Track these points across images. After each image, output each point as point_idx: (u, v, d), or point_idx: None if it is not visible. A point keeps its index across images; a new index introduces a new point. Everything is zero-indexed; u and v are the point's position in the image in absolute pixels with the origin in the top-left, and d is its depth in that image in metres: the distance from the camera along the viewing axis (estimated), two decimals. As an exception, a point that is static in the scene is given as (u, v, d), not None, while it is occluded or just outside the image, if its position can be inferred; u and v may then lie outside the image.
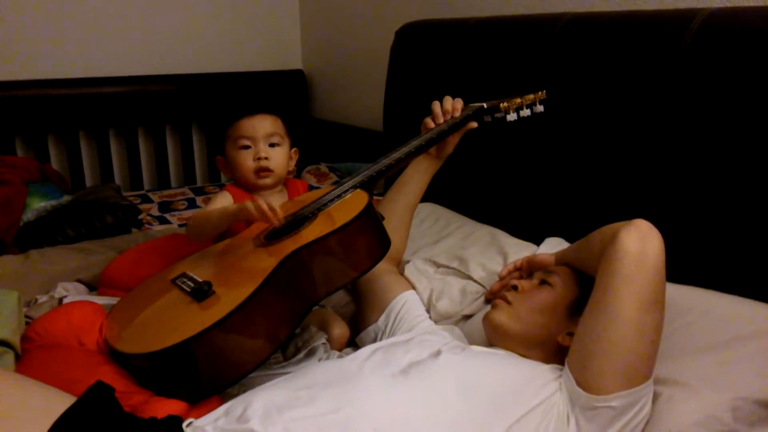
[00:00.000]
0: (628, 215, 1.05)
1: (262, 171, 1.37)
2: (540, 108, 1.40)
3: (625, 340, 0.94)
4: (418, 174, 1.43)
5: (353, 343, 1.34)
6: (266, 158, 1.36)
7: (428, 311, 1.35)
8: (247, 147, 1.37)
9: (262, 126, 1.37)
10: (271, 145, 1.38)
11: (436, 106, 1.38)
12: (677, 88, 1.25)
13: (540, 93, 1.40)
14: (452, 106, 1.37)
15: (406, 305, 1.30)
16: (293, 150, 1.45)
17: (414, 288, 1.38)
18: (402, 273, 1.45)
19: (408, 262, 1.49)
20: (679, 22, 1.25)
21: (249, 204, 1.15)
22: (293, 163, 1.45)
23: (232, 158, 1.39)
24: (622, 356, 0.94)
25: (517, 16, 1.71)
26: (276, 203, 1.18)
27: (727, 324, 1.08)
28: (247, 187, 1.40)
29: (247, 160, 1.36)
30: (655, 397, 0.99)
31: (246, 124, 1.37)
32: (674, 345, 1.06)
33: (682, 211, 1.26)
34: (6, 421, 0.84)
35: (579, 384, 0.95)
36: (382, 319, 1.30)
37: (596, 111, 1.43)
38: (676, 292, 1.13)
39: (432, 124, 1.37)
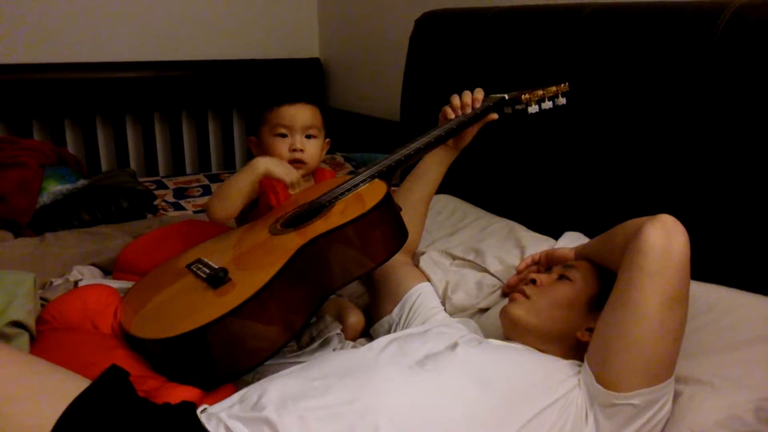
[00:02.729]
0: (652, 211, 1.03)
1: (296, 162, 1.36)
2: (562, 100, 1.38)
3: (647, 337, 0.92)
4: (434, 165, 1.42)
5: (367, 334, 1.33)
6: (301, 150, 1.36)
7: (443, 303, 1.33)
8: (283, 135, 1.37)
9: (302, 116, 1.37)
10: (308, 137, 1.38)
11: (455, 98, 1.36)
12: (706, 81, 1.23)
13: (563, 85, 1.38)
14: (472, 98, 1.35)
15: (421, 297, 1.29)
16: (326, 141, 1.44)
17: (429, 280, 1.37)
18: (417, 264, 1.44)
19: (423, 253, 1.48)
20: (710, 13, 1.23)
21: (281, 174, 1.22)
22: (324, 153, 1.45)
23: (267, 144, 1.39)
24: (644, 353, 0.92)
25: (540, 6, 1.69)
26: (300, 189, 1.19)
27: (751, 323, 1.06)
28: None
29: (282, 149, 1.36)
30: (677, 395, 0.97)
31: (286, 112, 1.37)
32: (697, 343, 1.04)
33: (708, 207, 1.24)
34: (21, 402, 0.84)
35: (599, 380, 0.94)
36: (396, 310, 1.29)
37: (620, 104, 1.41)
38: (699, 289, 1.12)
39: (451, 114, 1.35)
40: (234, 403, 0.92)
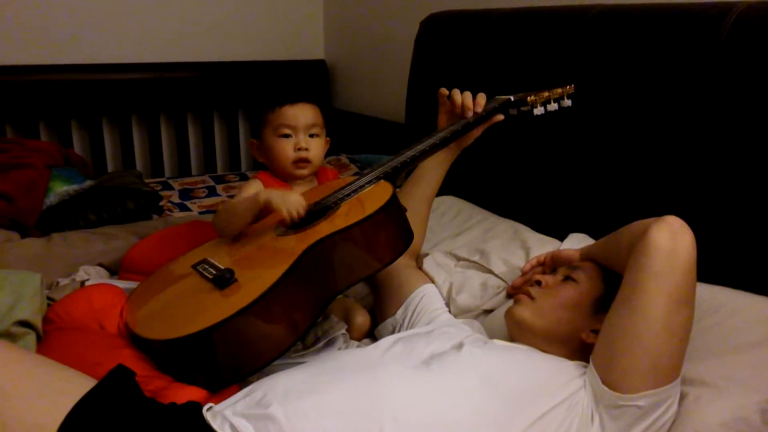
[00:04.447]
0: (658, 212, 1.03)
1: (301, 161, 1.36)
2: (568, 102, 1.38)
3: (653, 339, 0.92)
4: (435, 166, 1.42)
5: (371, 335, 1.33)
6: (306, 149, 1.36)
7: (447, 305, 1.33)
8: (287, 136, 1.36)
9: (305, 116, 1.37)
10: (311, 136, 1.37)
11: (456, 94, 1.36)
12: (712, 83, 1.23)
13: (568, 87, 1.38)
14: (474, 102, 1.34)
15: (425, 299, 1.29)
16: (326, 139, 1.44)
17: (433, 282, 1.37)
18: (421, 266, 1.44)
19: (427, 255, 1.48)
20: (715, 15, 1.23)
21: (279, 203, 1.14)
22: (325, 151, 1.45)
23: (270, 145, 1.38)
24: (649, 355, 0.92)
25: (545, 7, 1.69)
26: (304, 190, 1.17)
27: (756, 325, 1.06)
28: (282, 176, 1.39)
29: (286, 149, 1.36)
30: (682, 397, 0.97)
31: (288, 112, 1.36)
32: (702, 345, 1.04)
33: (714, 208, 1.24)
34: (27, 401, 0.84)
35: (604, 382, 0.94)
36: (400, 312, 1.29)
37: (625, 105, 1.40)
38: (705, 291, 1.11)
39: (458, 99, 1.34)
40: (239, 399, 0.93)
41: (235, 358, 1.01)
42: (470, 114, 1.34)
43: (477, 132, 1.38)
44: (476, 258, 1.45)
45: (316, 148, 1.38)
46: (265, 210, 1.23)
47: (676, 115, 1.30)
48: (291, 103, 1.37)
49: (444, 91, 1.38)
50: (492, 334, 1.20)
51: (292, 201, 1.15)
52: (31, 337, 1.09)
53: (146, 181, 2.34)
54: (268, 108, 1.39)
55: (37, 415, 0.83)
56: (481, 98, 1.36)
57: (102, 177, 2.25)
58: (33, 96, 2.42)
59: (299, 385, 0.92)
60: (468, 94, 1.35)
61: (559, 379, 0.97)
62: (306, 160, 1.36)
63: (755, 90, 1.16)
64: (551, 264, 1.28)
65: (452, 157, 1.42)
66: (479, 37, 1.81)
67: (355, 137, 2.73)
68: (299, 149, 1.35)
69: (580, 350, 1.07)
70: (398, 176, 1.27)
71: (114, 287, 1.22)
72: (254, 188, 1.33)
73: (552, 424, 0.91)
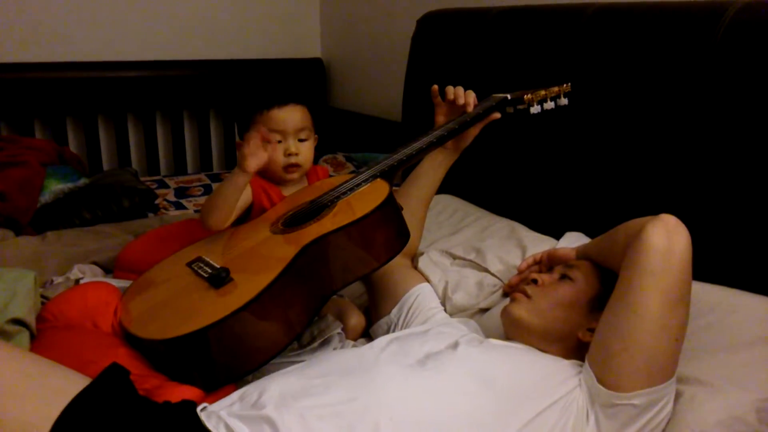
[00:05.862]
0: (654, 210, 1.03)
1: (292, 167, 1.36)
2: (564, 101, 1.38)
3: (648, 338, 0.92)
4: (434, 167, 1.42)
5: (367, 335, 1.33)
6: (296, 154, 1.35)
7: (443, 304, 1.33)
8: (277, 141, 1.35)
9: (294, 120, 1.35)
10: (300, 140, 1.37)
11: (450, 90, 1.36)
12: (709, 81, 1.23)
13: (565, 86, 1.38)
14: (465, 95, 1.35)
15: (420, 298, 1.29)
16: (314, 137, 1.44)
17: (428, 281, 1.37)
18: (416, 265, 1.44)
19: (423, 254, 1.48)
20: (711, 13, 1.23)
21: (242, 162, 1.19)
22: (313, 151, 1.44)
23: None
24: (644, 354, 0.92)
25: (542, 6, 1.69)
26: (295, 190, 1.17)
27: (752, 324, 1.06)
28: (272, 178, 1.38)
29: (276, 155, 1.34)
30: (678, 396, 0.97)
31: (277, 116, 1.34)
32: (698, 344, 1.04)
33: (709, 207, 1.24)
34: (21, 400, 0.83)
35: (600, 381, 0.94)
36: (394, 311, 1.29)
37: (622, 104, 1.41)
38: (701, 289, 1.12)
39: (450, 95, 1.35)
40: (234, 401, 0.92)
41: (231, 358, 1.01)
42: (461, 102, 1.33)
43: (474, 131, 1.38)
44: (472, 256, 1.45)
45: (305, 152, 1.37)
46: (254, 186, 1.21)
47: (673, 113, 1.30)
48: (279, 106, 1.35)
49: (436, 88, 1.37)
50: (488, 333, 1.20)
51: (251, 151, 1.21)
52: (25, 336, 1.09)
53: (142, 179, 2.34)
54: (256, 109, 1.36)
55: (30, 413, 0.82)
56: (470, 95, 1.36)
57: (97, 175, 2.25)
58: (28, 93, 2.42)
59: (294, 386, 0.92)
60: (460, 89, 1.36)
61: (554, 378, 0.97)
62: (296, 165, 1.36)
63: (752, 88, 1.17)
64: (547, 262, 1.28)
65: (451, 159, 1.42)
66: (476, 35, 1.81)
67: (352, 136, 2.73)
68: (289, 154, 1.35)
69: (576, 349, 1.07)
70: (395, 175, 1.27)
71: (108, 285, 1.22)
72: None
73: (547, 423, 0.91)
